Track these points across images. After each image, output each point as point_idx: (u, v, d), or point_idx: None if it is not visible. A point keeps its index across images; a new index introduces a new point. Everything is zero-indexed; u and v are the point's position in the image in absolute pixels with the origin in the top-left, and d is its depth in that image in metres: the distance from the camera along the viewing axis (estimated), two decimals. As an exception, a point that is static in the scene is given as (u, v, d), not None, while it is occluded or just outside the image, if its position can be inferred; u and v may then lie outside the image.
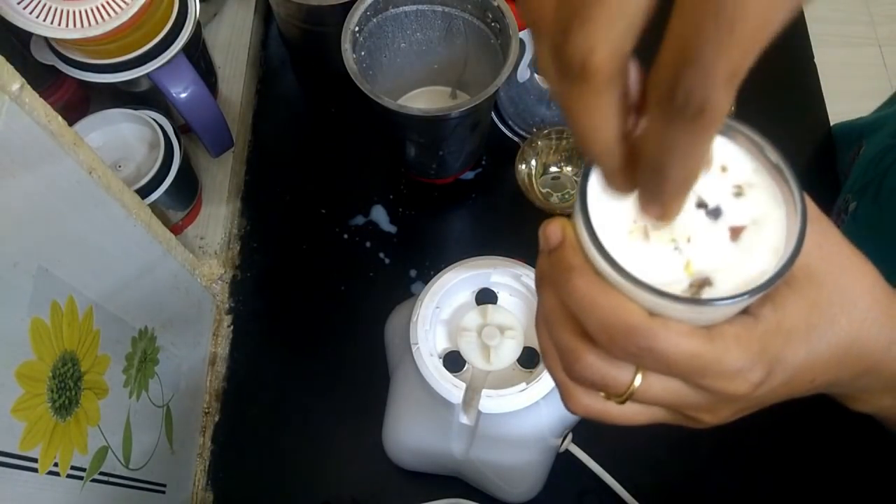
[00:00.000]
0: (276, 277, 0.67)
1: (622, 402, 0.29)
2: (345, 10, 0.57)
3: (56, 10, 0.48)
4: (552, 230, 0.28)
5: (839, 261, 0.30)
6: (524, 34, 0.58)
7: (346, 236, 0.67)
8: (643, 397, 0.29)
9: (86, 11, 0.49)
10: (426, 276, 0.65)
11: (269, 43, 0.77)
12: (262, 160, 0.71)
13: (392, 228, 0.68)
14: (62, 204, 0.40)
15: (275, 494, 0.59)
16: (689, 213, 0.27)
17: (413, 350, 0.50)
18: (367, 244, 0.67)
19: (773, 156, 0.27)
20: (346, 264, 0.66)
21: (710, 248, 0.27)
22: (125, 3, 0.50)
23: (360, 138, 0.72)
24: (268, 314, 0.65)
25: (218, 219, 0.66)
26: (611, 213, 0.27)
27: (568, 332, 0.29)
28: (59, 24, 0.49)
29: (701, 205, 0.27)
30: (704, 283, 0.26)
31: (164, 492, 0.53)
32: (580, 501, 0.57)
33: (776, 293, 0.28)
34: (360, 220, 0.68)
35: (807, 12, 0.77)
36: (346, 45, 0.55)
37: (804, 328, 0.28)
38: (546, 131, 0.65)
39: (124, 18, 0.49)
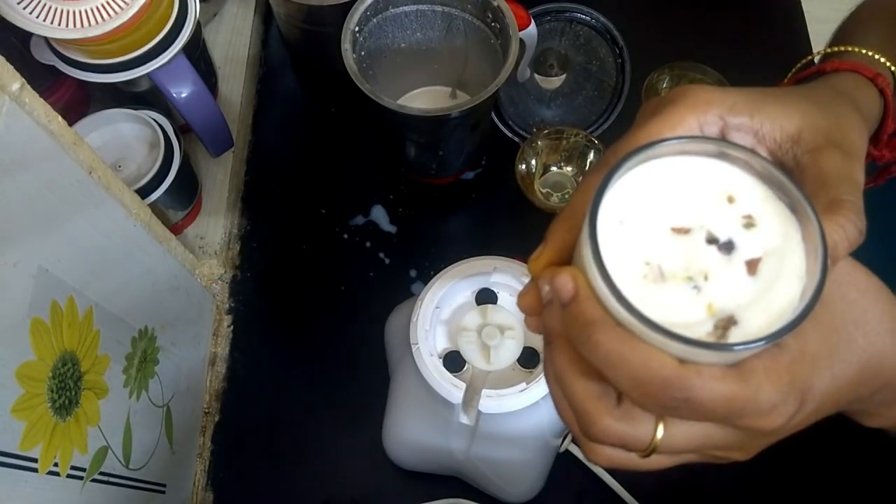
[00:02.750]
0: (276, 277, 0.67)
1: (646, 456, 0.28)
2: (345, 10, 0.57)
3: (56, 10, 0.48)
4: (562, 282, 0.27)
5: (844, 276, 0.30)
6: (524, 34, 0.58)
7: (346, 236, 0.67)
8: (669, 449, 0.28)
9: (86, 11, 0.49)
10: (426, 276, 0.65)
11: (269, 43, 0.77)
12: (262, 160, 0.71)
13: (392, 228, 0.68)
14: (62, 204, 0.40)
15: (275, 494, 0.59)
16: (700, 250, 0.26)
17: (413, 350, 0.50)
18: (367, 244, 0.67)
19: (781, 178, 0.26)
20: (346, 264, 0.66)
21: (730, 284, 0.26)
22: (125, 3, 0.50)
23: (360, 138, 0.72)
24: (268, 314, 0.65)
25: (218, 218, 0.66)
26: (622, 257, 0.26)
27: (581, 393, 0.28)
28: (59, 24, 0.48)
29: (712, 240, 0.26)
30: (729, 322, 0.25)
31: (164, 492, 0.53)
32: (580, 501, 0.57)
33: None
34: (360, 220, 0.68)
35: (807, 12, 0.77)
36: (346, 45, 0.55)
37: (827, 352, 0.28)
38: (546, 131, 0.65)
39: (124, 18, 0.49)
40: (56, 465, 0.38)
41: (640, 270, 0.26)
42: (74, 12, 0.49)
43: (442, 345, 0.53)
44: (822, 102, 0.32)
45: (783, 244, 0.26)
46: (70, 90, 0.59)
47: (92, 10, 0.49)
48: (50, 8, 0.48)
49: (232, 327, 0.65)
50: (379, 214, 0.68)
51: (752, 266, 0.26)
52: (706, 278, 0.26)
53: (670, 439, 0.28)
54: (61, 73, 0.52)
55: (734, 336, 0.25)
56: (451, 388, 0.48)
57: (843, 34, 0.46)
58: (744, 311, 0.25)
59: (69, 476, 0.40)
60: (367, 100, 0.54)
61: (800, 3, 0.78)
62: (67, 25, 0.49)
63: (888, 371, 0.30)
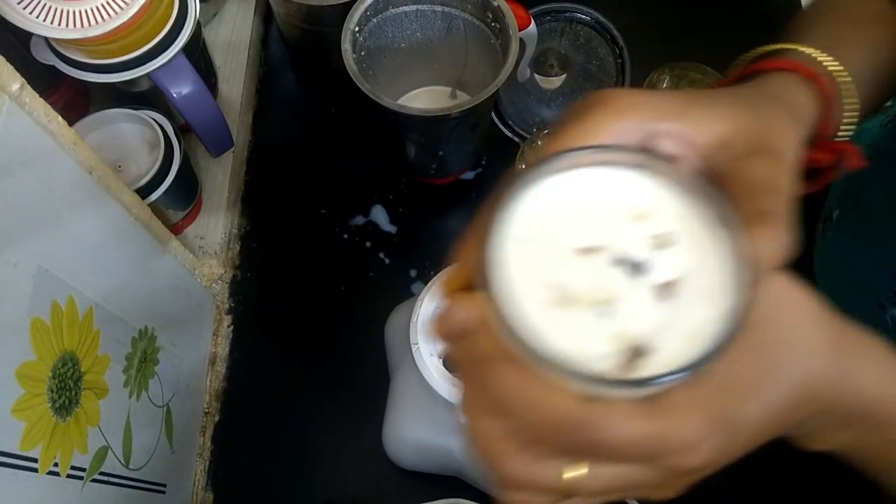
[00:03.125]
0: (276, 277, 0.67)
1: (567, 498, 0.26)
2: (345, 10, 0.57)
3: (56, 10, 0.48)
4: (455, 311, 0.24)
5: (776, 295, 0.27)
6: (524, 34, 0.58)
7: (346, 236, 0.67)
8: (587, 490, 0.25)
9: (86, 11, 0.49)
10: (426, 276, 0.65)
11: (269, 43, 0.77)
12: (262, 160, 0.71)
13: (392, 228, 0.67)
14: (62, 204, 0.40)
15: (275, 494, 0.59)
16: (609, 272, 0.24)
17: (413, 350, 0.50)
18: (367, 244, 0.67)
19: (702, 191, 0.24)
20: (346, 264, 0.66)
21: (640, 309, 0.23)
22: (125, 3, 0.50)
23: (360, 138, 0.72)
24: (268, 314, 0.65)
25: (218, 218, 0.66)
26: (524, 280, 0.23)
27: (485, 431, 0.25)
28: (59, 24, 0.48)
29: (622, 261, 0.24)
30: (639, 351, 0.23)
31: (164, 492, 0.53)
32: (580, 501, 0.57)
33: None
34: (360, 220, 0.68)
35: (807, 12, 0.77)
36: (346, 45, 0.55)
37: (758, 376, 0.26)
38: (546, 131, 0.65)
39: (124, 18, 0.49)
40: (56, 465, 0.38)
41: (543, 295, 0.23)
42: (74, 12, 0.49)
43: (442, 345, 0.53)
44: (754, 105, 0.31)
45: (701, 264, 0.24)
46: (70, 90, 0.59)
47: (92, 10, 0.49)
48: (50, 8, 0.48)
49: (232, 327, 0.65)
50: (379, 214, 0.68)
51: (667, 289, 0.23)
52: (614, 303, 0.23)
53: (590, 480, 0.25)
54: (61, 73, 0.52)
55: (645, 366, 0.22)
56: (451, 388, 0.48)
57: (790, 32, 0.44)
58: (657, 338, 0.23)
59: (69, 476, 0.40)
60: (367, 100, 0.54)
61: (800, 3, 0.78)
62: (67, 25, 0.49)
63: (824, 394, 0.28)
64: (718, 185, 0.28)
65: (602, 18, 0.68)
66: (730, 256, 0.23)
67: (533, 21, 0.58)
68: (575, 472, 0.24)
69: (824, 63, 0.40)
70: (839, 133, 0.41)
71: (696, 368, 0.22)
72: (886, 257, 0.51)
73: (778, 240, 0.25)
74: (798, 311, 0.28)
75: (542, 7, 0.68)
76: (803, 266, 0.67)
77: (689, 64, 0.69)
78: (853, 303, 0.55)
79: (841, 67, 0.40)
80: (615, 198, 0.25)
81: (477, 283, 0.23)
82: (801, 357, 0.27)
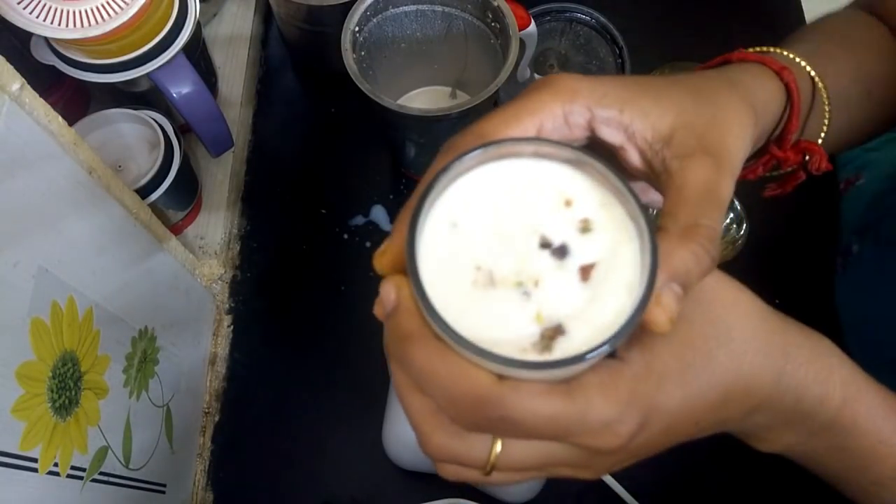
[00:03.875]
0: (276, 277, 0.67)
1: (487, 474, 0.27)
2: (345, 10, 0.57)
3: (56, 10, 0.48)
4: (385, 291, 0.25)
5: (709, 291, 0.28)
6: (524, 34, 0.58)
7: (346, 236, 0.67)
8: (508, 466, 0.26)
9: (86, 11, 0.49)
10: (426, 276, 0.65)
11: (269, 43, 0.77)
12: (262, 160, 0.71)
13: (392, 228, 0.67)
14: (62, 204, 0.40)
15: (275, 494, 0.59)
16: (533, 255, 0.25)
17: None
18: (367, 244, 0.67)
19: (620, 185, 0.25)
20: (346, 264, 0.66)
21: (560, 291, 0.24)
22: (125, 3, 0.50)
23: (360, 138, 0.72)
24: (268, 314, 0.65)
25: (218, 219, 0.66)
26: (453, 261, 0.24)
27: (415, 408, 0.26)
28: (59, 24, 0.48)
29: (545, 244, 0.25)
30: (556, 331, 0.24)
31: (164, 492, 0.53)
32: (579, 501, 0.57)
33: (643, 333, 0.25)
34: (360, 220, 0.68)
35: (807, 12, 0.77)
36: (346, 45, 0.55)
37: (678, 369, 0.26)
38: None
39: (124, 18, 0.49)
40: (56, 465, 0.38)
41: (470, 276, 0.24)
42: (74, 12, 0.49)
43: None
44: (704, 96, 0.30)
45: (618, 253, 0.25)
46: (70, 90, 0.59)
47: (92, 10, 0.49)
48: (50, 8, 0.48)
49: (232, 327, 0.65)
50: (379, 214, 0.68)
51: (586, 272, 0.24)
52: (536, 284, 0.24)
53: (507, 457, 0.26)
54: (61, 73, 0.52)
55: (559, 346, 0.23)
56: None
57: (780, 46, 0.44)
58: (572, 320, 0.24)
59: (69, 476, 0.40)
60: (367, 100, 0.54)
61: (800, 3, 0.78)
62: (67, 25, 0.49)
63: (760, 392, 0.28)
64: (657, 184, 0.29)
65: (602, 18, 0.68)
66: (640, 249, 0.24)
67: (533, 21, 0.58)
68: (500, 447, 0.26)
69: (802, 64, 0.39)
70: (819, 140, 0.41)
71: (596, 353, 0.22)
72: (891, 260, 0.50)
73: (705, 255, 0.25)
74: (734, 310, 0.28)
75: (542, 7, 0.68)
76: (816, 297, 0.66)
77: (689, 64, 0.69)
78: (877, 337, 0.55)
79: (814, 73, 0.39)
80: (543, 184, 0.26)
81: (405, 265, 0.24)
82: (734, 354, 0.27)
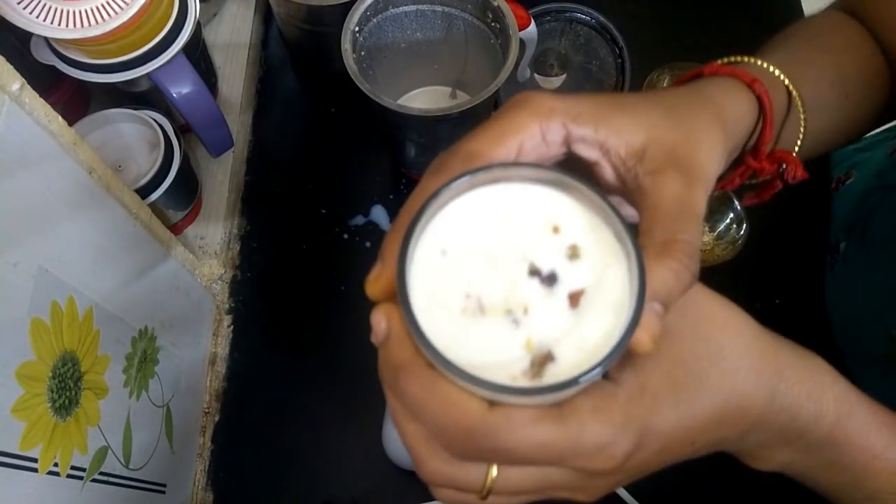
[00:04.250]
0: (276, 277, 0.67)
1: (483, 498, 0.27)
2: (345, 10, 0.57)
3: (56, 10, 0.48)
4: (376, 321, 0.26)
5: (699, 310, 0.28)
6: (524, 34, 0.58)
7: (346, 236, 0.67)
8: (503, 490, 0.26)
9: (86, 11, 0.49)
10: (426, 276, 0.65)
11: (269, 43, 0.77)
12: (262, 160, 0.71)
13: (392, 228, 0.67)
14: (62, 204, 0.40)
15: (275, 494, 0.59)
16: (522, 282, 0.25)
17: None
18: (367, 244, 0.67)
19: (606, 207, 0.25)
20: (346, 264, 0.66)
21: (550, 318, 0.24)
22: (125, 3, 0.50)
23: (360, 138, 0.72)
24: (268, 314, 0.65)
25: (218, 219, 0.66)
26: (442, 289, 0.25)
27: (410, 433, 0.27)
28: (59, 24, 0.48)
29: (534, 272, 0.25)
30: (547, 358, 0.24)
31: (164, 492, 0.53)
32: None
33: (632, 354, 0.25)
34: (360, 220, 0.68)
35: (807, 12, 0.77)
36: (346, 45, 0.55)
37: (670, 388, 0.26)
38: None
39: (124, 18, 0.49)
40: (56, 465, 0.38)
41: (459, 304, 0.24)
42: (74, 12, 0.49)
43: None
44: (676, 112, 0.30)
45: (606, 277, 0.25)
46: (70, 90, 0.59)
47: (92, 10, 0.49)
48: (50, 8, 0.48)
49: (232, 327, 0.65)
50: (379, 214, 0.68)
51: (575, 299, 0.24)
52: (526, 312, 0.24)
53: (504, 481, 0.26)
54: (61, 73, 0.52)
55: (551, 373, 0.23)
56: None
57: (757, 52, 0.44)
58: (562, 346, 0.24)
59: (69, 476, 0.40)
60: (367, 100, 0.54)
61: (800, 3, 0.78)
62: (67, 25, 0.49)
63: (754, 410, 0.28)
64: (632, 201, 0.29)
65: (602, 18, 0.68)
66: (627, 271, 0.25)
67: (533, 21, 0.58)
68: (496, 472, 0.26)
69: (776, 73, 0.39)
70: (796, 147, 0.40)
71: (588, 378, 0.22)
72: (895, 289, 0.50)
73: (685, 270, 0.26)
74: (725, 329, 0.28)
75: (542, 7, 0.68)
76: (814, 296, 0.67)
77: (689, 64, 0.69)
78: (865, 334, 0.55)
79: (789, 81, 0.39)
80: (531, 210, 0.26)
81: (396, 292, 0.24)
82: (726, 374, 0.27)
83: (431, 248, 0.25)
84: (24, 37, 0.51)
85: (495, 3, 0.56)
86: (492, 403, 0.24)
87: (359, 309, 0.66)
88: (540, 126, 0.29)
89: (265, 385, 0.63)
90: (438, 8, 0.60)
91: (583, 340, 0.24)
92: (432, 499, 0.53)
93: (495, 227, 0.26)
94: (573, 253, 0.25)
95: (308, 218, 0.68)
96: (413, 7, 0.59)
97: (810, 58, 0.43)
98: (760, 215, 0.62)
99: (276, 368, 0.63)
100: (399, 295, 0.24)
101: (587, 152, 0.29)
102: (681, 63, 0.69)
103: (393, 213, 0.68)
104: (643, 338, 0.24)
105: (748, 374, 0.28)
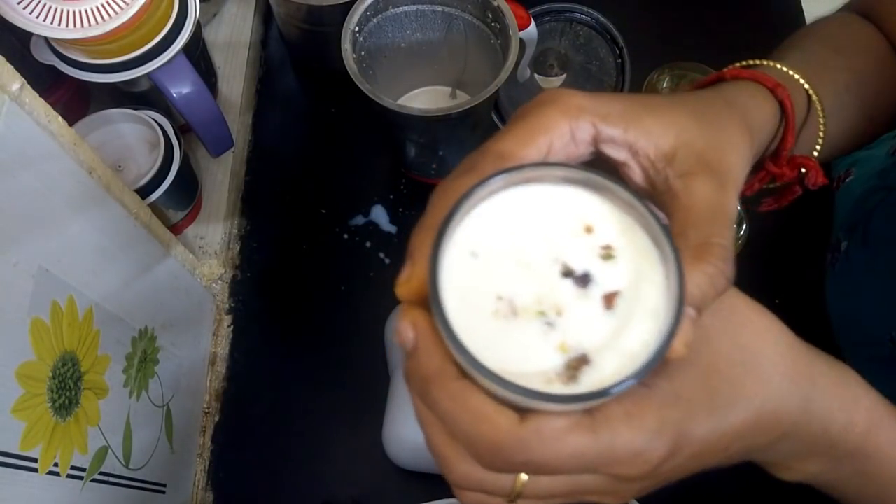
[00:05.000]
0: (276, 277, 0.67)
1: (512, 502, 0.27)
2: (345, 10, 0.57)
3: (56, 10, 0.48)
4: (403, 330, 0.25)
5: (735, 315, 0.28)
6: (524, 34, 0.58)
7: (346, 236, 0.67)
8: (534, 494, 0.26)
9: (86, 11, 0.49)
10: (426, 276, 0.65)
11: (269, 43, 0.77)
12: (262, 160, 0.71)
13: (392, 228, 0.67)
14: (62, 204, 0.40)
15: (275, 494, 0.59)
16: (555, 283, 0.24)
17: (413, 350, 0.49)
18: (367, 244, 0.67)
19: (643, 209, 0.24)
20: (346, 264, 0.66)
21: (584, 320, 0.24)
22: (125, 3, 0.50)
23: (360, 138, 0.72)
24: (268, 314, 0.65)
25: (218, 218, 0.66)
26: (473, 292, 0.24)
27: (437, 437, 0.26)
28: (59, 24, 0.48)
29: (567, 273, 0.24)
30: (582, 361, 0.23)
31: (164, 492, 0.53)
32: (579, 501, 0.57)
33: (669, 361, 0.25)
34: (360, 220, 0.68)
35: (807, 12, 0.77)
36: (346, 45, 0.55)
37: (706, 394, 0.26)
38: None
39: (124, 18, 0.49)
40: (56, 465, 0.38)
41: (491, 306, 0.24)
42: (74, 12, 0.49)
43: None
44: (704, 116, 0.30)
45: (642, 279, 0.24)
46: (70, 90, 0.59)
47: (92, 10, 0.49)
48: (50, 8, 0.48)
49: (232, 327, 0.65)
50: (379, 214, 0.68)
51: (609, 300, 0.24)
52: (559, 313, 0.24)
53: (535, 486, 0.26)
54: (61, 73, 0.52)
55: (586, 376, 0.23)
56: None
57: (774, 54, 0.44)
58: (597, 349, 0.23)
59: (69, 476, 0.40)
60: (367, 100, 0.54)
61: (800, 3, 0.78)
62: (67, 25, 0.49)
63: (787, 419, 0.28)
64: (661, 202, 0.29)
65: (602, 18, 0.68)
66: (665, 275, 0.24)
67: (533, 21, 0.58)
68: (525, 475, 0.26)
69: (797, 77, 0.39)
70: (815, 152, 0.41)
71: (622, 388, 0.22)
72: None
73: (719, 275, 0.25)
74: (762, 337, 0.28)
75: (542, 7, 0.68)
76: (815, 295, 0.66)
77: (689, 64, 0.69)
78: (865, 335, 0.55)
79: (809, 86, 0.39)
80: (563, 211, 0.26)
81: (428, 295, 0.24)
82: (761, 381, 0.27)
83: (462, 250, 0.25)
84: (24, 37, 0.51)
85: (495, 3, 0.56)
86: (521, 415, 0.24)
87: (359, 309, 0.67)
88: (569, 125, 0.28)
89: (265, 385, 0.63)
90: (438, 8, 0.60)
91: (619, 345, 0.23)
92: (432, 499, 0.53)
93: (527, 227, 0.25)
94: (607, 253, 0.25)
95: (308, 218, 0.68)
96: (413, 7, 0.59)
97: (827, 61, 0.43)
98: (760, 215, 0.62)
99: (276, 368, 0.63)
100: (432, 298, 0.23)
101: (616, 153, 0.29)
102: (681, 63, 0.69)
103: (393, 213, 0.68)
104: (676, 344, 0.23)
105: (783, 382, 0.27)
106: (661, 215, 0.29)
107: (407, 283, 0.26)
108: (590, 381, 0.23)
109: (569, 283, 0.24)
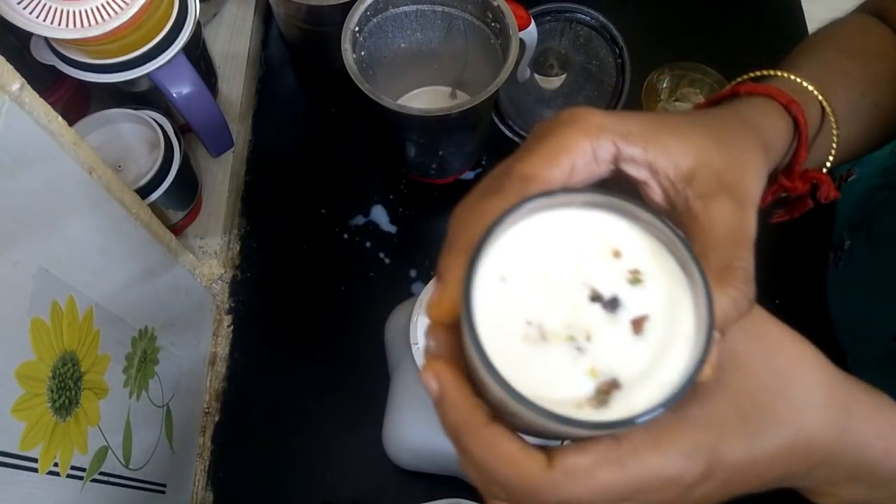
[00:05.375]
0: (276, 277, 0.67)
1: None
2: (345, 10, 0.57)
3: (56, 10, 0.48)
4: (427, 380, 0.26)
5: (768, 340, 0.27)
6: (524, 34, 0.58)
7: (346, 236, 0.67)
8: None
9: (86, 11, 0.49)
10: (426, 276, 0.65)
11: (269, 43, 0.77)
12: (262, 160, 0.71)
13: (392, 228, 0.67)
14: (62, 204, 0.40)
15: (275, 494, 0.59)
16: (584, 308, 0.24)
17: (413, 350, 0.49)
18: (367, 244, 0.67)
19: (670, 233, 0.24)
20: (346, 264, 0.66)
21: (613, 345, 0.24)
22: (125, 3, 0.50)
23: (361, 138, 0.72)
24: (268, 314, 0.65)
25: (218, 219, 0.66)
26: (502, 318, 0.24)
27: (474, 475, 0.27)
28: (59, 24, 0.48)
29: (596, 297, 0.25)
30: (612, 386, 0.23)
31: (164, 492, 0.53)
32: (580, 501, 0.57)
33: (698, 385, 0.24)
34: (360, 220, 0.68)
35: (807, 12, 0.77)
36: (346, 45, 0.55)
37: (738, 418, 0.26)
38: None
39: (124, 18, 0.49)
40: (56, 465, 0.38)
41: (521, 331, 0.24)
42: (74, 12, 0.49)
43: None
44: (722, 136, 0.30)
45: (671, 303, 0.24)
46: (70, 90, 0.59)
47: (92, 10, 0.49)
48: (50, 8, 0.48)
49: (232, 327, 0.65)
50: (379, 214, 0.68)
51: (638, 325, 0.24)
52: (589, 338, 0.24)
53: None
54: (61, 73, 0.52)
55: (616, 401, 0.23)
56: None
57: (787, 60, 0.44)
58: (627, 374, 0.24)
59: (69, 476, 0.40)
60: (368, 100, 0.54)
61: (800, 3, 0.78)
62: (67, 25, 0.49)
63: (822, 447, 0.28)
64: (681, 223, 0.29)
65: (602, 18, 0.68)
66: (693, 300, 0.24)
67: (533, 21, 0.58)
68: None
69: (810, 89, 0.39)
70: (827, 161, 0.40)
71: (651, 416, 0.22)
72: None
73: (742, 297, 0.26)
74: (797, 363, 0.28)
75: (542, 7, 0.68)
76: (815, 294, 0.66)
77: (689, 64, 0.69)
78: (867, 334, 0.55)
79: (822, 97, 0.39)
80: (590, 235, 0.26)
81: (461, 319, 0.24)
82: (794, 408, 0.27)
83: (492, 275, 0.25)
84: (24, 37, 0.51)
85: (495, 3, 0.56)
86: (548, 455, 0.24)
87: (359, 309, 0.67)
88: (591, 144, 0.28)
89: (265, 385, 0.63)
90: (438, 8, 0.60)
91: (648, 367, 0.24)
92: (432, 499, 0.53)
93: (554, 252, 0.25)
94: (635, 278, 0.25)
95: (308, 218, 0.68)
96: (413, 7, 0.59)
97: (841, 67, 0.43)
98: (760, 215, 0.62)
99: (276, 368, 0.63)
100: (465, 323, 0.23)
101: (636, 172, 0.29)
102: (681, 63, 0.69)
103: (393, 214, 0.68)
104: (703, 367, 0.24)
105: (818, 410, 0.27)
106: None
107: (438, 305, 0.26)
108: (620, 406, 0.23)
109: (597, 307, 0.24)
